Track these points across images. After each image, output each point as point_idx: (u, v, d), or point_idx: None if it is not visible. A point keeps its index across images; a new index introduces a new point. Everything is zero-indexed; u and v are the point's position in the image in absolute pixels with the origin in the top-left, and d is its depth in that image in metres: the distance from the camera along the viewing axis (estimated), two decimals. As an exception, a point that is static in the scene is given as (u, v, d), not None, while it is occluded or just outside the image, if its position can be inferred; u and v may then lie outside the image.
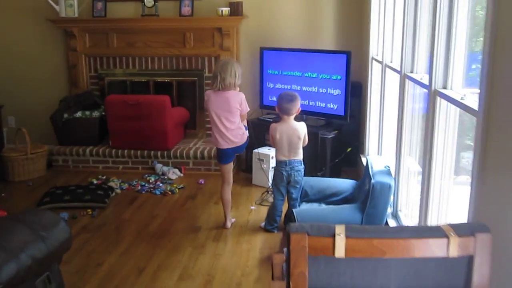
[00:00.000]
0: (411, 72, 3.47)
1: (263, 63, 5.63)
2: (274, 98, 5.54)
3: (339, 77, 5.09)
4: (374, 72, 5.00)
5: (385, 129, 4.38)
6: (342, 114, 5.13)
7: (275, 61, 5.57)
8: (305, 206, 4.04)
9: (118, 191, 5.01)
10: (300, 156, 3.98)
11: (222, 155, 4.13)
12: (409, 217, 3.60)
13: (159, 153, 5.61)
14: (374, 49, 5.00)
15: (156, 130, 5.49)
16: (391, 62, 4.21)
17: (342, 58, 5.04)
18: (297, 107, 3.91)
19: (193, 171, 5.62)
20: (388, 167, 3.78)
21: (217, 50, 5.83)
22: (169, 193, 4.97)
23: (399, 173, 3.64)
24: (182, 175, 5.51)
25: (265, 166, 5.11)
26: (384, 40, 4.26)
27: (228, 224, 4.24)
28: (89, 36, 5.99)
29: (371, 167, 3.83)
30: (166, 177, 5.40)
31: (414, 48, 3.43)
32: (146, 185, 5.18)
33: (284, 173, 3.94)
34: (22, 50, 6.18)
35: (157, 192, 4.97)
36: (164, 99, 5.43)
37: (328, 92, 5.20)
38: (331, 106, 5.20)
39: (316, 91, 5.29)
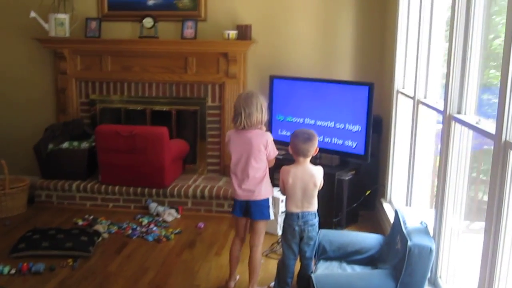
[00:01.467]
0: (459, 113, 2.89)
1: (272, 93, 5.06)
2: (285, 132, 4.98)
3: (355, 111, 4.53)
4: (400, 107, 4.43)
5: (416, 174, 3.78)
6: (362, 153, 4.54)
7: (286, 91, 5.00)
8: (323, 266, 3.43)
9: (106, 235, 4.38)
10: (314, 207, 3.38)
11: (236, 206, 3.52)
12: (451, 284, 3.00)
13: (154, 191, 5.00)
14: (399, 82, 4.44)
15: (152, 166, 4.89)
16: (425, 98, 3.63)
17: (363, 90, 4.46)
18: (315, 147, 3.32)
19: (192, 212, 5.01)
20: (425, 224, 3.17)
21: (222, 77, 5.26)
22: (164, 239, 4.34)
23: (440, 232, 3.03)
24: (179, 216, 4.90)
25: (274, 210, 4.48)
26: (418, 74, 3.68)
27: (232, 284, 3.61)
28: (81, 58, 5.43)
29: (404, 223, 3.23)
30: (161, 218, 4.78)
31: (462, 85, 2.85)
32: (138, 228, 4.56)
33: (296, 228, 3.32)
34: (5, 71, 5.61)
35: (150, 238, 4.35)
36: (161, 131, 4.84)
37: (347, 128, 4.62)
38: (349, 144, 4.61)
39: (333, 126, 4.70)
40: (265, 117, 3.41)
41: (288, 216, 3.36)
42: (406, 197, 3.90)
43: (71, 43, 5.34)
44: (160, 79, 5.34)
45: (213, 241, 4.37)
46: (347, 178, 4.63)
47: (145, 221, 4.71)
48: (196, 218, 4.87)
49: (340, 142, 4.67)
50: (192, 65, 5.27)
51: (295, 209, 3.34)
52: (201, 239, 4.43)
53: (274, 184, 4.79)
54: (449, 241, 3.01)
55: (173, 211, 4.89)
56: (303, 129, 3.40)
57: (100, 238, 4.27)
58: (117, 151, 4.89)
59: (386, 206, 4.58)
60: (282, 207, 4.48)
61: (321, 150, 4.70)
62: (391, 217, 4.31)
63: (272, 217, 3.49)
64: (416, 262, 2.90)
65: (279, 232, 4.50)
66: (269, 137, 3.44)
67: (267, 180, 3.49)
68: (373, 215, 5.01)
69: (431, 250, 2.90)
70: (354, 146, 4.58)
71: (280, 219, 4.48)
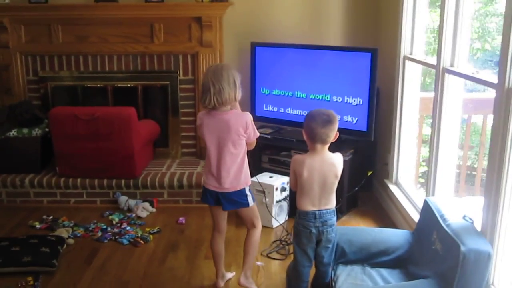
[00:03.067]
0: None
1: (255, 63, 4.39)
2: (271, 108, 4.36)
3: (356, 82, 3.93)
4: (408, 76, 3.86)
5: (441, 155, 3.23)
6: (364, 129, 3.96)
7: (271, 61, 4.34)
8: (344, 272, 2.86)
9: (71, 240, 3.67)
10: (334, 203, 2.78)
11: (207, 194, 2.97)
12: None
13: (123, 182, 4.29)
14: (406, 46, 3.85)
15: (119, 153, 4.16)
16: (454, 65, 3.06)
17: (365, 57, 3.85)
18: (335, 131, 2.71)
19: (169, 204, 4.34)
20: (471, 219, 2.64)
21: (195, 46, 4.54)
22: (141, 241, 3.67)
23: (493, 229, 2.49)
24: (154, 210, 4.22)
25: (267, 200, 3.88)
26: (444, 39, 3.08)
27: (221, 283, 3.12)
28: (26, 28, 4.57)
29: (443, 218, 2.69)
30: (134, 215, 4.09)
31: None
32: (109, 228, 3.86)
33: (313, 230, 2.72)
34: None
35: (125, 241, 3.66)
36: (129, 113, 4.11)
37: (345, 101, 4.02)
38: (349, 119, 4.02)
39: (329, 99, 4.09)
40: (239, 93, 2.84)
41: (303, 216, 2.75)
42: (428, 182, 3.35)
43: (12, 11, 4.48)
44: (122, 50, 4.56)
45: (199, 240, 3.73)
46: (346, 158, 4.05)
47: (115, 219, 4.01)
48: (174, 212, 4.20)
49: (338, 117, 4.05)
50: (160, 33, 4.51)
51: (311, 207, 2.73)
52: (185, 238, 3.78)
53: (262, 168, 4.23)
54: (503, 240, 2.48)
55: (147, 204, 4.21)
56: (320, 110, 2.76)
57: (65, 246, 3.55)
58: (76, 137, 4.13)
59: (393, 188, 4.04)
60: (277, 196, 3.88)
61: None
62: (401, 201, 3.81)
63: (252, 202, 3.00)
64: (472, 271, 2.36)
65: (274, 224, 3.91)
66: (249, 118, 2.89)
67: (246, 167, 2.97)
68: (373, 197, 4.49)
69: (489, 255, 2.37)
70: (354, 121, 4.00)
71: (275, 209, 3.90)
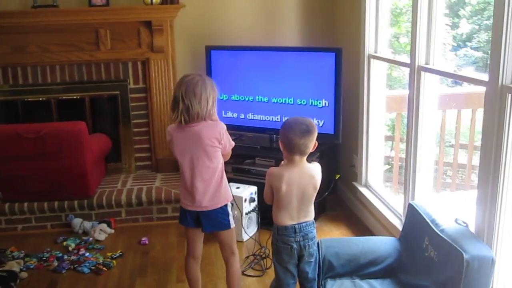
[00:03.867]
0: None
1: (211, 67, 4.15)
2: (230, 114, 4.15)
3: (320, 84, 3.78)
4: (374, 74, 3.75)
5: (419, 153, 3.12)
6: (331, 132, 3.81)
7: (228, 65, 4.12)
8: (334, 287, 2.69)
9: (24, 274, 3.29)
10: (312, 214, 2.61)
11: (186, 215, 2.71)
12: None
13: (76, 203, 3.93)
14: (371, 45, 3.74)
15: (70, 172, 3.81)
16: (430, 63, 2.95)
17: (328, 57, 3.70)
18: (314, 141, 2.53)
19: (128, 223, 4.02)
20: (464, 222, 2.53)
21: (146, 52, 4.24)
22: (104, 268, 3.35)
23: (492, 232, 2.38)
24: (113, 231, 3.89)
25: (236, 212, 3.65)
26: (418, 36, 2.97)
27: None
28: (-47, 39, 4.12)
29: (434, 223, 2.57)
30: (91, 238, 3.75)
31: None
32: (65, 256, 3.51)
33: (295, 245, 2.53)
34: None
35: (85, 270, 3.33)
36: (78, 128, 3.76)
37: (310, 103, 3.86)
38: (315, 122, 3.84)
39: (292, 103, 3.92)
40: (213, 113, 2.64)
41: (282, 231, 2.55)
42: (406, 183, 3.23)
43: None
44: (65, 59, 4.19)
45: (167, 262, 3.46)
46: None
47: (71, 244, 3.66)
48: (135, 231, 3.90)
49: (298, 116, 3.89)
50: (106, 39, 4.18)
51: (290, 221, 2.55)
52: (152, 261, 3.49)
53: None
54: (501, 242, 2.39)
55: (104, 226, 3.88)
56: (298, 118, 2.57)
57: (18, 281, 3.19)
58: (20, 158, 3.75)
59: (363, 190, 3.92)
60: (246, 207, 3.67)
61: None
62: (375, 204, 3.69)
63: (233, 224, 2.75)
64: (476, 278, 2.26)
65: (245, 237, 3.70)
66: (223, 127, 2.67)
67: (225, 181, 2.73)
68: (340, 201, 4.36)
69: (493, 261, 2.27)
70: (321, 124, 3.84)
71: (245, 221, 3.68)
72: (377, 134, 3.87)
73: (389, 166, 4.83)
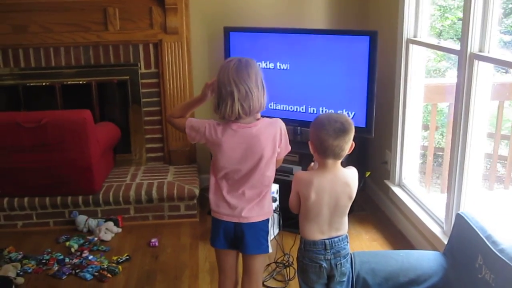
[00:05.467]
0: None
1: (229, 51, 3.75)
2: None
3: (352, 71, 3.36)
4: (413, 61, 3.33)
5: (469, 152, 2.71)
6: (363, 125, 3.40)
7: (249, 49, 3.71)
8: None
9: (21, 279, 2.97)
10: (346, 227, 2.25)
11: (219, 231, 2.29)
12: None
13: (80, 199, 3.60)
14: (410, 28, 3.31)
15: (74, 165, 3.47)
16: (485, 51, 2.53)
17: (362, 42, 3.29)
18: (351, 141, 2.14)
19: (136, 221, 3.68)
20: (529, 241, 2.14)
21: (158, 34, 3.86)
22: (108, 275, 3.02)
23: None
24: (120, 230, 3.56)
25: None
26: (472, 20, 2.53)
27: None
28: (-51, 17, 3.77)
29: (490, 240, 2.18)
30: (96, 238, 3.42)
31: None
32: (67, 259, 3.18)
33: (324, 263, 2.16)
34: None
35: (88, 276, 3.00)
36: (83, 117, 3.41)
37: (340, 93, 3.46)
38: (344, 113, 3.46)
39: (320, 92, 3.52)
40: (265, 101, 2.19)
41: (309, 246, 2.19)
42: (451, 183, 2.81)
43: None
44: (70, 41, 3.82)
45: (179, 268, 3.12)
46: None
47: (74, 245, 3.33)
48: (144, 231, 3.56)
49: (332, 112, 3.50)
50: (115, 19, 3.80)
51: (319, 236, 2.18)
52: (161, 266, 3.15)
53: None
54: None
55: (110, 224, 3.54)
56: (331, 115, 2.19)
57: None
58: (20, 149, 3.42)
59: (396, 190, 3.53)
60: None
61: (305, 124, 3.59)
62: (410, 206, 3.31)
63: (270, 249, 2.34)
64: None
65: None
66: (282, 125, 2.24)
67: (270, 192, 2.33)
68: (369, 200, 3.97)
69: None
70: (351, 116, 3.44)
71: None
72: (414, 129, 3.47)
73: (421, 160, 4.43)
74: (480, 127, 2.66)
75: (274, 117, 2.27)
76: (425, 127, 4.29)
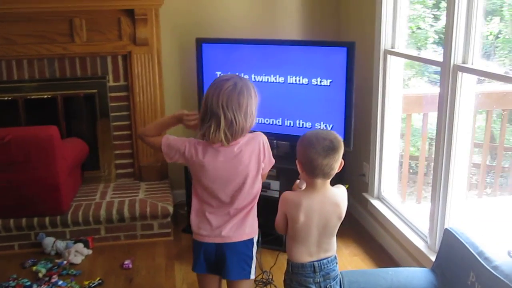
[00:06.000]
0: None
1: (202, 63, 3.64)
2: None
3: (329, 83, 3.29)
4: (391, 72, 3.29)
5: (453, 164, 2.66)
6: (342, 138, 3.32)
7: (222, 61, 3.60)
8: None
9: (-16, 311, 2.78)
10: (334, 248, 2.17)
11: (199, 254, 2.17)
12: None
13: (47, 220, 3.40)
14: (387, 39, 3.27)
15: (40, 184, 3.27)
16: (468, 63, 2.49)
17: (339, 53, 3.23)
18: (340, 159, 2.06)
19: (108, 242, 3.51)
20: (520, 256, 2.09)
21: (127, 45, 3.71)
22: (81, 301, 2.85)
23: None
24: (90, 252, 3.38)
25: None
26: (456, 30, 2.50)
27: None
28: None
29: (482, 256, 2.12)
30: (65, 262, 3.24)
31: None
32: (35, 286, 2.99)
33: (313, 287, 2.08)
34: None
35: (58, 304, 2.83)
36: (50, 134, 3.23)
37: (317, 105, 3.38)
38: (322, 126, 3.39)
39: (296, 104, 3.44)
40: (253, 123, 2.12)
41: (297, 269, 2.10)
42: (435, 197, 2.76)
43: None
44: (34, 53, 3.63)
45: (155, 290, 2.97)
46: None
47: (42, 270, 3.13)
48: (116, 252, 3.40)
49: (309, 124, 3.43)
50: (82, 30, 3.63)
51: (308, 258, 2.10)
52: (137, 289, 3.00)
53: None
54: None
55: (80, 246, 3.36)
56: (319, 132, 2.09)
57: (-24, 320, 2.67)
58: (-19, 168, 3.21)
59: (375, 203, 3.47)
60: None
61: (282, 137, 3.52)
62: (389, 218, 3.27)
63: (253, 275, 2.25)
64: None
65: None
66: (263, 139, 2.17)
67: (255, 210, 2.24)
68: (347, 213, 3.88)
69: None
70: (329, 129, 3.37)
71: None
72: (392, 140, 3.42)
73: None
74: (465, 138, 2.63)
75: (255, 131, 2.18)
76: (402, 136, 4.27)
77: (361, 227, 3.69)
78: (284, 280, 2.17)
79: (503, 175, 4.27)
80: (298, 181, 2.19)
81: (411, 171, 4.67)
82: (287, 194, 2.11)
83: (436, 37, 4.75)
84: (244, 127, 2.03)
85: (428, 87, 4.94)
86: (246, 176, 2.07)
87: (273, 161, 2.20)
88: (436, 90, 4.13)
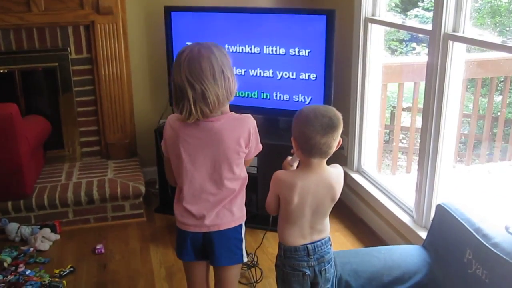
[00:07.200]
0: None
1: (171, 33, 3.41)
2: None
3: (307, 53, 3.14)
4: (371, 42, 3.16)
5: (442, 134, 2.57)
6: (321, 110, 3.21)
7: (193, 30, 3.38)
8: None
9: None
10: (328, 229, 2.04)
11: (186, 242, 2.01)
12: None
13: (10, 204, 3.17)
14: (368, 6, 3.13)
15: (0, 167, 3.04)
16: (461, 32, 2.38)
17: (318, 21, 3.07)
18: (339, 137, 1.92)
19: (77, 225, 3.31)
20: (518, 231, 2.03)
21: (90, 14, 3.44)
22: (52, 291, 2.66)
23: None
24: (58, 237, 3.18)
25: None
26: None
27: None
28: None
29: (480, 232, 2.05)
30: (31, 249, 3.03)
31: None
32: (0, 277, 2.78)
33: (307, 271, 1.96)
34: None
35: (28, 294, 2.64)
36: (9, 112, 2.97)
37: (294, 77, 3.23)
38: (301, 98, 3.25)
39: (272, 76, 3.28)
40: (234, 87, 1.90)
41: (290, 253, 1.97)
42: (422, 169, 2.67)
43: None
44: (-13, 24, 3.34)
45: (132, 277, 2.81)
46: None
47: (7, 259, 2.91)
48: (86, 236, 3.21)
49: (287, 97, 3.28)
50: (39, -2, 3.35)
51: (301, 241, 1.97)
52: (112, 276, 2.82)
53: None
54: None
55: (47, 231, 3.15)
56: (317, 108, 1.92)
57: None
58: None
59: (356, 177, 3.39)
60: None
61: (258, 110, 3.36)
62: (371, 192, 3.19)
63: (245, 258, 2.10)
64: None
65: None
66: (252, 124, 1.97)
67: (243, 195, 2.06)
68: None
69: None
70: (308, 101, 3.24)
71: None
72: (373, 112, 3.32)
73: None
74: (454, 108, 2.54)
75: (244, 114, 2.00)
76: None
77: (340, 202, 3.55)
78: (276, 265, 2.04)
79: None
80: (289, 158, 2.05)
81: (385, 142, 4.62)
82: (280, 174, 1.97)
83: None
84: (220, 94, 1.81)
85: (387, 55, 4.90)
86: (223, 157, 1.90)
87: (260, 147, 2.04)
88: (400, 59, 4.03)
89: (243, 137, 1.91)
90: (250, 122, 1.95)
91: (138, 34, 3.62)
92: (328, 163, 1.99)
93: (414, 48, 5.71)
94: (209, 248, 2.00)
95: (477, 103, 4.02)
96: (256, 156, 2.06)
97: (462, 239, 2.14)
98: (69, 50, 3.52)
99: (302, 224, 1.96)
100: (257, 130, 1.98)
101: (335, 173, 1.97)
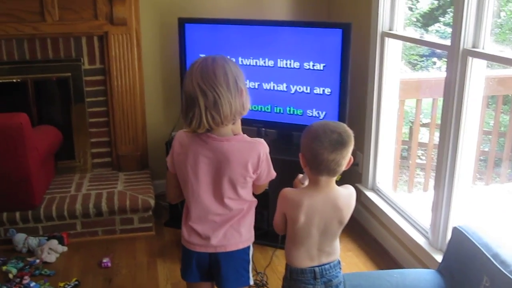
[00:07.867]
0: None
1: (185, 45, 3.38)
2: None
3: (322, 67, 3.07)
4: (388, 56, 3.08)
5: (460, 153, 2.47)
6: (335, 126, 3.13)
7: (207, 43, 3.35)
8: None
9: None
10: (338, 252, 1.96)
11: (191, 262, 1.95)
12: None
13: (18, 215, 3.14)
14: (385, 20, 3.06)
15: (9, 177, 3.00)
16: (481, 47, 2.29)
17: (334, 35, 3.00)
18: (349, 155, 1.84)
19: (85, 237, 3.27)
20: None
21: (104, 25, 3.42)
22: (55, 305, 2.61)
23: None
24: (66, 249, 3.14)
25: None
26: (467, 11, 2.29)
27: None
28: None
29: (499, 261, 1.95)
30: (38, 261, 2.99)
31: None
32: (4, 287, 2.76)
33: None
34: None
35: (31, 308, 2.59)
36: (19, 121, 2.94)
37: (308, 91, 3.16)
38: (314, 113, 3.17)
39: (286, 90, 3.21)
40: (247, 102, 1.83)
41: (296, 275, 1.90)
42: (439, 188, 2.57)
43: None
44: (1, 33, 3.31)
45: (137, 292, 2.75)
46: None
47: (12, 270, 2.87)
48: (94, 248, 3.16)
49: (300, 112, 3.21)
50: (53, 8, 3.32)
51: (308, 263, 1.89)
52: (117, 291, 2.77)
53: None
54: None
55: (54, 243, 3.11)
56: (327, 124, 1.84)
57: None
58: None
59: (369, 194, 3.29)
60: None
61: (271, 125, 3.31)
62: (385, 211, 3.10)
63: (252, 280, 2.02)
64: None
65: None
66: (264, 150, 1.88)
67: (252, 216, 1.99)
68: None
69: None
70: (322, 116, 3.16)
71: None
72: (389, 128, 3.23)
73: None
74: (473, 125, 2.44)
75: (257, 138, 1.93)
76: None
77: (354, 220, 3.46)
78: (283, 287, 1.97)
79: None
80: (300, 176, 1.97)
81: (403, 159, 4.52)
82: (286, 191, 1.89)
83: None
84: (233, 104, 1.74)
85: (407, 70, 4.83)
86: (228, 179, 1.83)
87: (274, 174, 1.95)
88: (423, 74, 3.93)
89: (252, 162, 1.84)
90: (261, 147, 1.87)
91: (151, 45, 3.60)
92: (342, 182, 1.91)
93: (435, 63, 5.63)
94: (216, 269, 1.94)
95: (498, 120, 3.91)
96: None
97: (479, 265, 2.04)
98: (82, 61, 3.50)
99: (309, 245, 1.88)
100: (268, 157, 1.90)
101: (345, 194, 1.89)
